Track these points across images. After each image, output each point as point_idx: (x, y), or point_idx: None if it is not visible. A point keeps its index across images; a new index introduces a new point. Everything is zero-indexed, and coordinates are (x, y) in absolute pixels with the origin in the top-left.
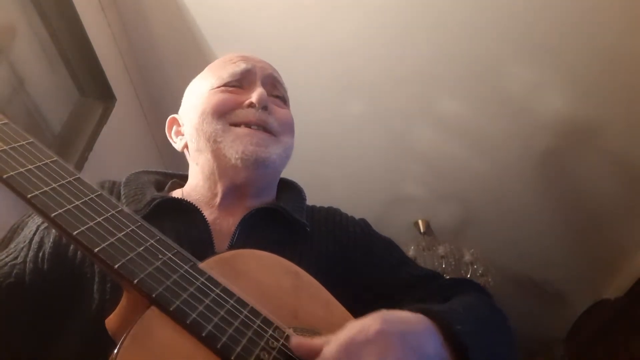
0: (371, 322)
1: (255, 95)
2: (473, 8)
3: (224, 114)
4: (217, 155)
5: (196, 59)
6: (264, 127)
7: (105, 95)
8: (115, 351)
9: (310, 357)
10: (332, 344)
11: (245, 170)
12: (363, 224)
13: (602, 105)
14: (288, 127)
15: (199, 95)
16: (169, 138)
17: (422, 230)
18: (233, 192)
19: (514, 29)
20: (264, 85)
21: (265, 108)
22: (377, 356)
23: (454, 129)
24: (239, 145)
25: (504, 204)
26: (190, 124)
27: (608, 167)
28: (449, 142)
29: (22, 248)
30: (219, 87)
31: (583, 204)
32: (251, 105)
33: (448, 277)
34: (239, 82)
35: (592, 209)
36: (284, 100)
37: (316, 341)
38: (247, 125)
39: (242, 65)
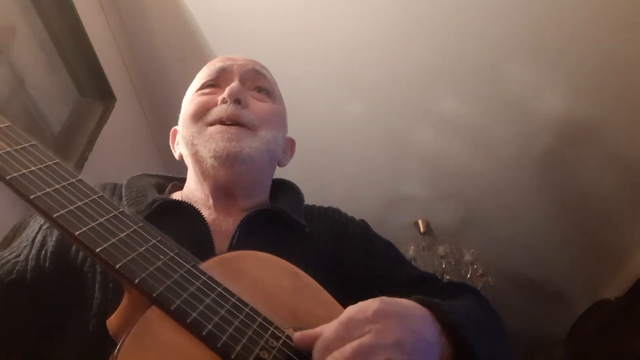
0: (370, 303)
1: (227, 91)
2: (474, 8)
3: (200, 117)
4: (196, 158)
5: (196, 59)
6: (237, 122)
7: (105, 95)
8: (116, 350)
9: (313, 342)
10: (331, 323)
11: (223, 168)
12: (363, 225)
13: (603, 105)
14: (267, 120)
15: (183, 103)
16: (171, 149)
17: (422, 230)
18: (220, 193)
19: (514, 29)
20: (242, 80)
21: (238, 102)
22: (376, 334)
23: (454, 129)
24: (211, 144)
25: (504, 204)
26: (179, 132)
27: (608, 167)
28: (449, 142)
29: (25, 246)
30: (197, 90)
31: (583, 204)
32: (223, 101)
33: (448, 277)
34: (216, 82)
35: (592, 209)
36: (268, 92)
37: (316, 329)
38: (221, 122)
39: (218, 65)
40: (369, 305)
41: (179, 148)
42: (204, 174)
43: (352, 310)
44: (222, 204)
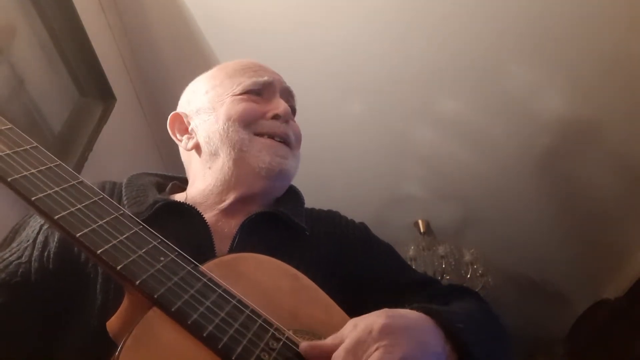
0: (376, 318)
1: (282, 108)
2: (474, 8)
3: (249, 124)
4: (240, 163)
5: (196, 59)
6: (285, 140)
7: (105, 95)
8: (117, 351)
9: (320, 356)
10: (340, 348)
11: (266, 180)
12: (363, 228)
13: (603, 105)
14: (299, 140)
15: (216, 99)
16: (171, 135)
17: (422, 230)
18: (244, 199)
19: (515, 29)
20: (282, 97)
21: (287, 121)
22: (384, 351)
23: (454, 129)
24: (265, 155)
25: (504, 204)
26: (207, 127)
27: (608, 167)
28: (449, 142)
29: (26, 247)
30: (241, 94)
31: (583, 204)
32: (276, 117)
33: (448, 277)
34: (260, 92)
35: (592, 209)
36: (295, 112)
37: (326, 342)
38: (271, 136)
39: (265, 77)
40: (375, 322)
41: (193, 139)
42: (240, 179)
43: (358, 328)
44: (235, 208)
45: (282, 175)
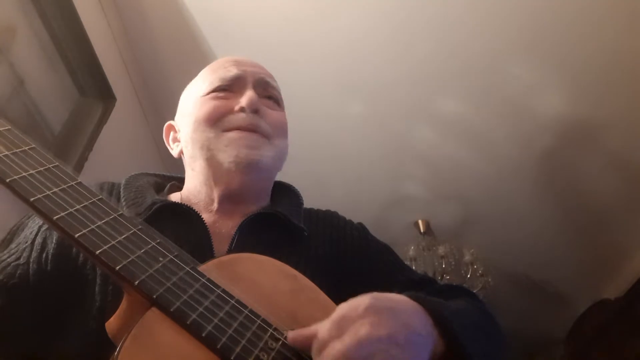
0: (362, 299)
1: (245, 99)
2: (474, 8)
3: (215, 122)
4: (211, 162)
5: (196, 59)
6: (255, 131)
7: (105, 95)
8: (117, 351)
9: (308, 343)
10: (325, 322)
11: (240, 174)
12: (361, 228)
13: (603, 105)
14: (280, 129)
15: (190, 103)
16: (166, 144)
17: (422, 230)
18: (230, 198)
19: (514, 28)
20: (255, 88)
21: (256, 111)
22: (369, 327)
23: (454, 129)
24: (232, 149)
25: (504, 204)
26: (184, 131)
27: (608, 167)
28: (449, 142)
29: (24, 249)
30: (208, 93)
31: (583, 204)
32: (242, 109)
33: (448, 277)
34: (229, 87)
35: (592, 209)
36: (277, 101)
37: (310, 328)
38: (239, 130)
39: (233, 71)
40: (361, 301)
41: (180, 146)
42: (216, 178)
43: (344, 308)
44: (226, 208)
45: (252, 166)
